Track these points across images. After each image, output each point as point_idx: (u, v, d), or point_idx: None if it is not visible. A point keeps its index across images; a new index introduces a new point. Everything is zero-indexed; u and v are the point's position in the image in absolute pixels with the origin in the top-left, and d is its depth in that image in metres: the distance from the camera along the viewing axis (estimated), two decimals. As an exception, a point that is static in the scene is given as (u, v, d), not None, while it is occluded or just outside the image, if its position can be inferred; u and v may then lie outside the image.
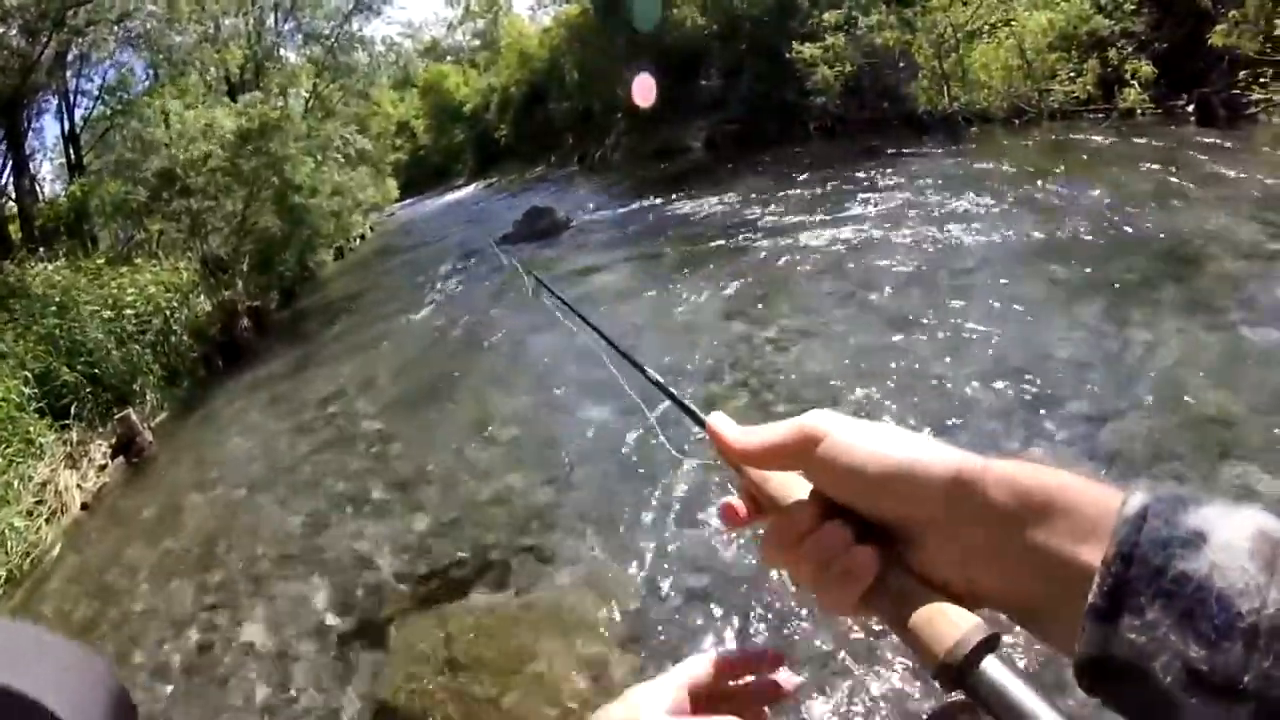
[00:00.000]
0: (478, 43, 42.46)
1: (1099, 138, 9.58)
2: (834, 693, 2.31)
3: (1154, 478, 2.90)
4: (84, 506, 5.61)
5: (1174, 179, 6.85)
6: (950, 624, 0.33)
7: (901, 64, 13.77)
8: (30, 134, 14.25)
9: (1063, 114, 11.28)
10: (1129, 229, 5.70)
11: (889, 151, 11.41)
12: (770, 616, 2.68)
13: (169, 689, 3.24)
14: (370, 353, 7.83)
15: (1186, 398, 3.37)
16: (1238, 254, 4.81)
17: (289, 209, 13.07)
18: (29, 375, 6.52)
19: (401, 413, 5.76)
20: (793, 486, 0.42)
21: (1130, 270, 4.90)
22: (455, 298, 9.46)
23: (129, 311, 8.31)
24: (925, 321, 4.78)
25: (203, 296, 9.99)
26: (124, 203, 11.73)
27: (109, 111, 15.18)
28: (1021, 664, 2.07)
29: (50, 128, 34.34)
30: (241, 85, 17.47)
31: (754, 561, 2.94)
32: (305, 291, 13.91)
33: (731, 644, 2.62)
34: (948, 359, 4.23)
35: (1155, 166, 7.39)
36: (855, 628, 2.46)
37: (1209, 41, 9.26)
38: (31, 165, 14.21)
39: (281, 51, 19.98)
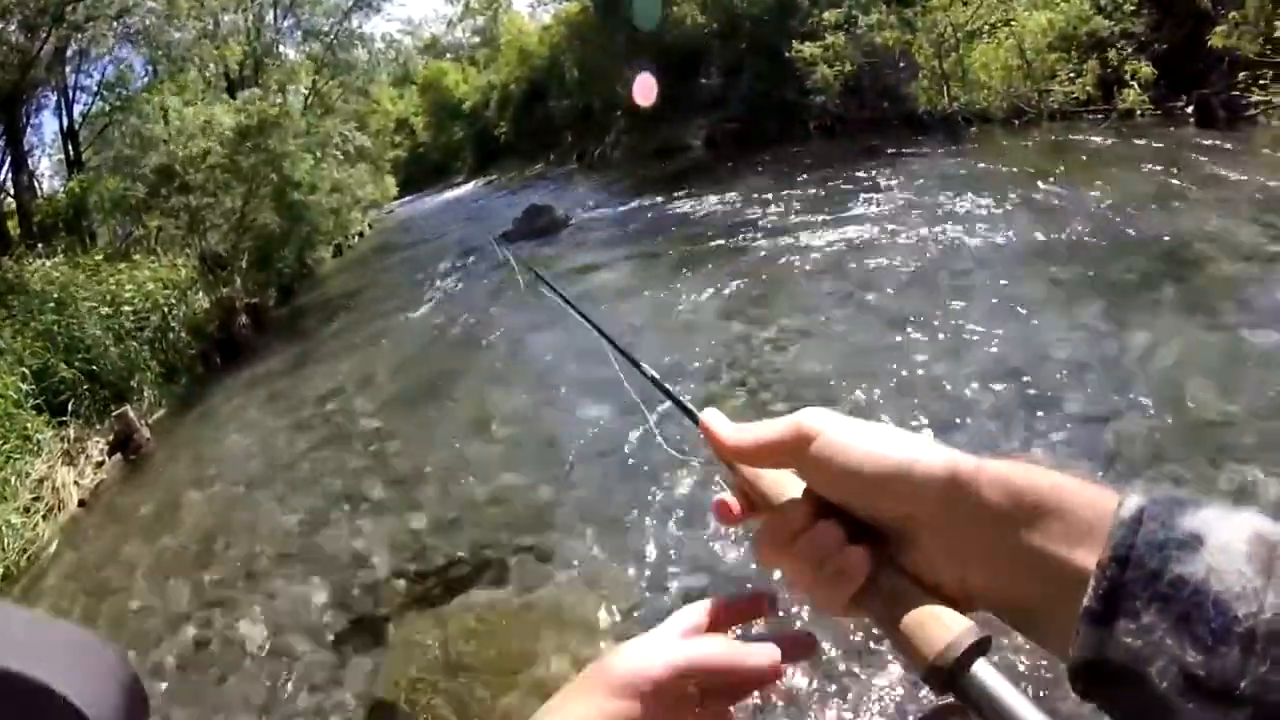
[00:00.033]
0: (477, 40, 42.41)
1: (1098, 138, 9.58)
2: (828, 693, 2.31)
3: (1152, 479, 2.90)
4: (81, 503, 5.61)
5: (1173, 180, 6.85)
6: (942, 627, 0.33)
7: (901, 64, 13.76)
8: (29, 130, 14.24)
9: (1062, 114, 11.27)
10: (1128, 230, 5.70)
11: (889, 151, 11.41)
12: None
13: (165, 686, 3.23)
14: (369, 350, 7.82)
15: (1185, 399, 3.37)
16: (1237, 256, 4.81)
17: (288, 206, 13.04)
18: (27, 371, 6.51)
19: (400, 410, 5.76)
20: (786, 484, 0.42)
21: (1129, 271, 4.90)
22: (454, 295, 9.45)
23: (127, 308, 8.30)
24: (924, 321, 4.77)
25: (201, 293, 9.97)
26: (122, 199, 11.70)
27: (108, 107, 15.12)
28: (1014, 668, 2.07)
29: (49, 123, 34.12)
30: (241, 82, 17.42)
31: (753, 562, 2.94)
32: (304, 288, 13.88)
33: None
34: (946, 359, 4.23)
35: (1154, 168, 7.40)
36: (852, 628, 2.46)
37: (1209, 43, 9.26)
38: (30, 161, 14.20)
39: (281, 48, 19.91)
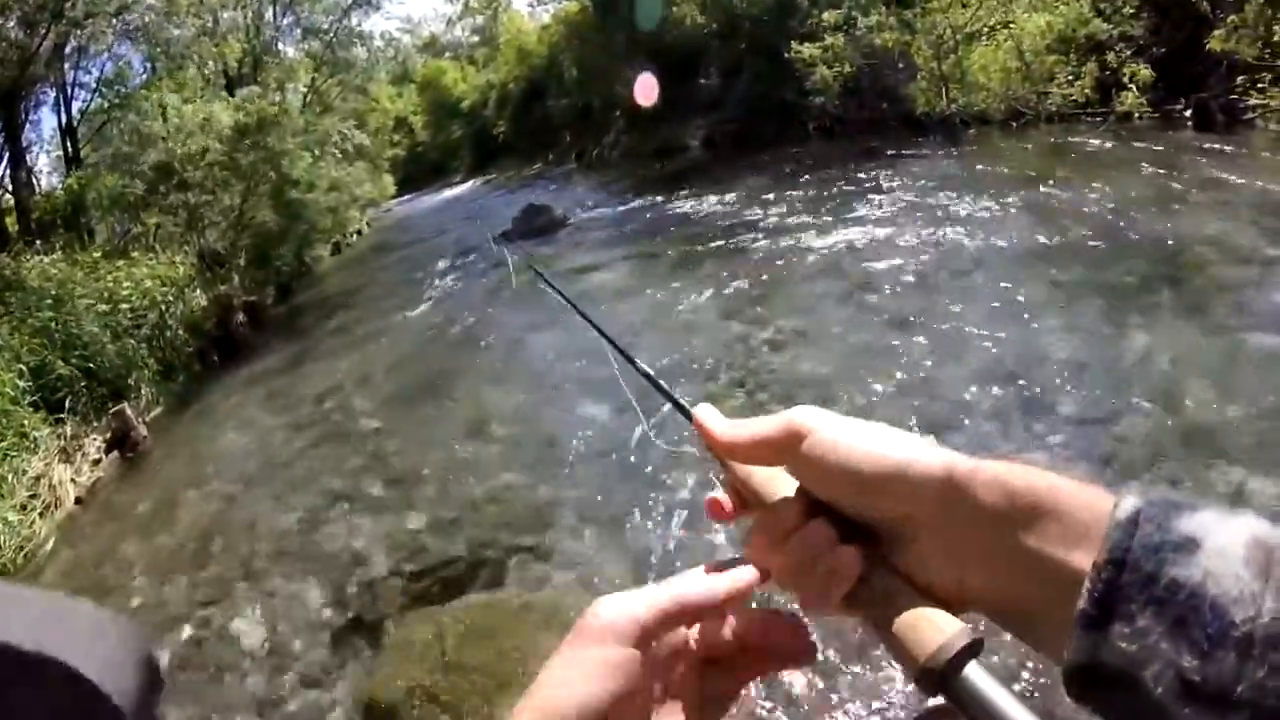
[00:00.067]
0: (476, 39, 42.36)
1: (1096, 141, 9.59)
2: (823, 692, 2.31)
3: (1150, 481, 2.90)
4: (78, 501, 5.59)
5: (1171, 183, 6.87)
6: (934, 628, 0.33)
7: (900, 65, 13.76)
8: (27, 126, 14.18)
9: (1060, 117, 11.28)
10: (1125, 233, 5.71)
11: (887, 152, 11.42)
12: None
13: (161, 684, 3.22)
14: (367, 349, 7.81)
15: (1183, 402, 3.38)
16: (1234, 259, 4.82)
17: (286, 204, 13.03)
18: (24, 368, 6.50)
19: (398, 409, 5.75)
20: (778, 482, 0.42)
21: (1127, 274, 4.90)
22: (452, 294, 9.44)
23: (125, 305, 8.29)
24: (922, 323, 4.78)
25: (199, 291, 9.95)
26: (121, 196, 11.69)
27: (106, 104, 15.09)
28: (1006, 671, 2.07)
29: (47, 120, 34.26)
30: (239, 79, 17.39)
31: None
32: (302, 287, 13.86)
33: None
34: (944, 360, 4.24)
35: (1153, 171, 7.41)
36: (848, 628, 2.46)
37: (1207, 46, 9.27)
38: (28, 158, 14.15)
39: (280, 46, 19.90)
